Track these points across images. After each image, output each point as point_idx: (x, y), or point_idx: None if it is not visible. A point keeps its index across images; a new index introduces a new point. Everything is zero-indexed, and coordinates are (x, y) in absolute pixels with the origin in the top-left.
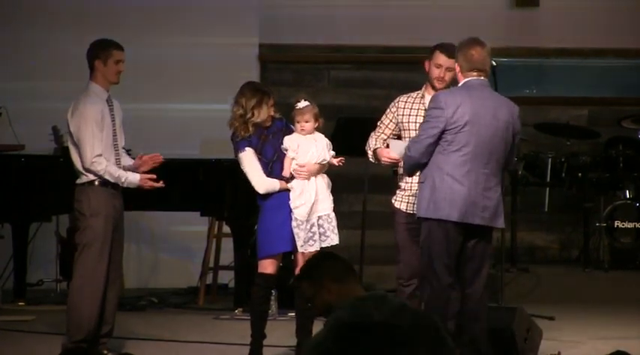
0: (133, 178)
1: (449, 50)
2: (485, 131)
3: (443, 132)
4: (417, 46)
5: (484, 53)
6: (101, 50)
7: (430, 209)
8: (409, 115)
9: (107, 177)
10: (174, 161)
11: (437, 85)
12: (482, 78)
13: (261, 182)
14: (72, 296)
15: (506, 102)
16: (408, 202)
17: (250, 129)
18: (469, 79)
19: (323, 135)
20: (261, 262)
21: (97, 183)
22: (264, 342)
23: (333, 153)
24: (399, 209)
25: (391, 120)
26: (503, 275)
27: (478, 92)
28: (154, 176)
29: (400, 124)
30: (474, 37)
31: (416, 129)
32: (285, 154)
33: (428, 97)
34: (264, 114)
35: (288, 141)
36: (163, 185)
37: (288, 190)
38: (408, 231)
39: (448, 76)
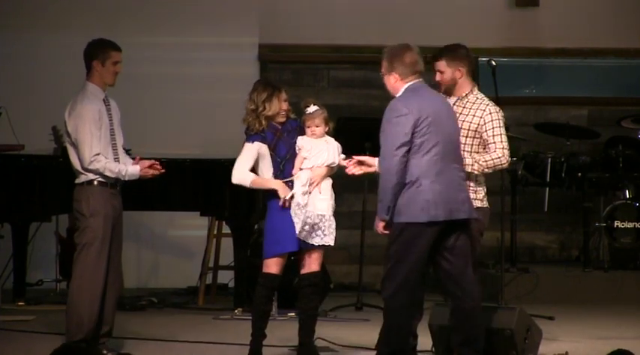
0: (133, 170)
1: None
2: (448, 128)
3: (412, 136)
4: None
5: (417, 56)
6: (99, 51)
7: (415, 213)
8: None
9: (108, 173)
10: (174, 161)
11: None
12: (421, 79)
13: (238, 171)
14: (71, 295)
15: (444, 97)
16: None
17: (263, 122)
18: (412, 82)
19: (333, 139)
20: (266, 261)
21: (95, 182)
22: (264, 342)
23: (343, 156)
24: None
25: None
26: (503, 275)
27: (427, 93)
28: (154, 162)
29: None
30: (402, 43)
31: None
32: (297, 154)
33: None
34: (275, 107)
35: (302, 141)
36: (164, 170)
37: (281, 189)
38: None
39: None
